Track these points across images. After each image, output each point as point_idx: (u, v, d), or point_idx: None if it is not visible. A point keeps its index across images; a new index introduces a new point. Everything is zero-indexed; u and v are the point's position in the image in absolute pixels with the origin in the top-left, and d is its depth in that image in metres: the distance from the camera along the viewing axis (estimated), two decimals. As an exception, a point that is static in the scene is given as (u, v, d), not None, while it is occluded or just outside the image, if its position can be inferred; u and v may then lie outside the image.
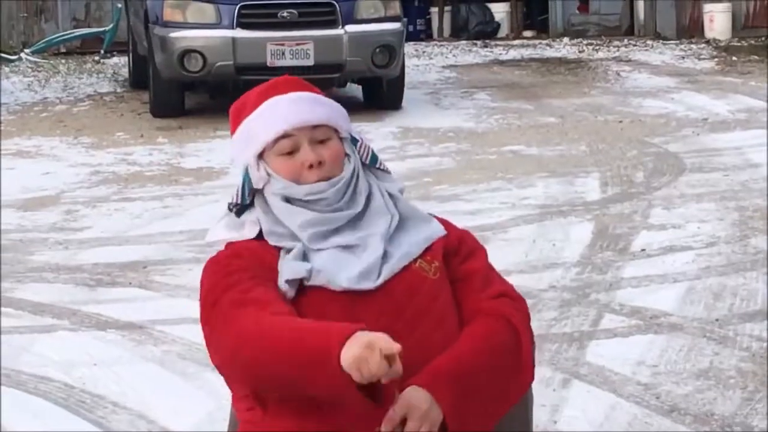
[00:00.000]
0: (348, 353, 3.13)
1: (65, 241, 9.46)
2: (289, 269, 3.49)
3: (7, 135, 14.28)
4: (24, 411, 6.04)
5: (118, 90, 17.57)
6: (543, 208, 9.94)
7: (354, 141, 3.63)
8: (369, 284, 3.48)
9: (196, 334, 5.70)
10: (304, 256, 3.52)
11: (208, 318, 3.48)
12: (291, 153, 3.53)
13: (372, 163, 3.65)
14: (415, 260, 3.53)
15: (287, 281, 3.46)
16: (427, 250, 3.57)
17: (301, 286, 3.47)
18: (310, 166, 3.50)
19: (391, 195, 3.64)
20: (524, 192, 10.48)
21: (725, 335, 6.85)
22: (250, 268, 3.52)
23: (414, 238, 3.58)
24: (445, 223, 3.67)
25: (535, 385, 4.24)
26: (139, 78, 16.70)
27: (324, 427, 3.37)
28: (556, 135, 13.18)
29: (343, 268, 3.49)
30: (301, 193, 3.51)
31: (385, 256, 3.51)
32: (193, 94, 15.52)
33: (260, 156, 3.55)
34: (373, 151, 3.66)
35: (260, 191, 3.57)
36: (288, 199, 3.55)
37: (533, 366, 3.57)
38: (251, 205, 3.60)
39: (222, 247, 3.62)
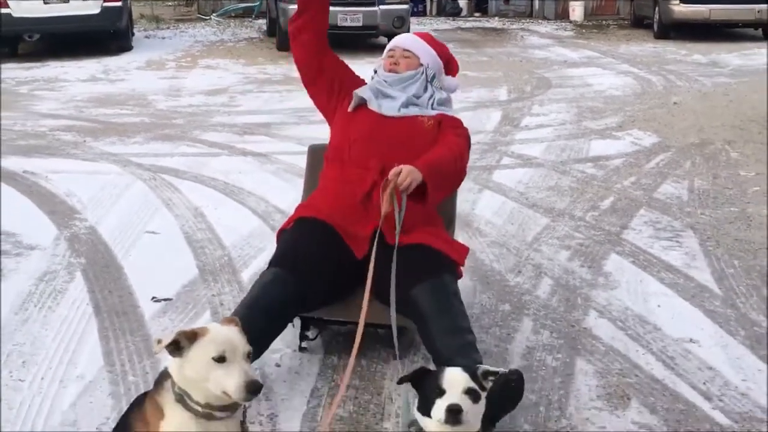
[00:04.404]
0: None
1: (228, 111, 9.44)
2: (360, 90, 3.62)
3: (201, 57, 14.19)
4: (203, 196, 6.07)
5: (261, 36, 17.29)
6: (476, 103, 9.85)
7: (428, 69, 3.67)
8: (392, 113, 3.52)
9: (295, 159, 5.77)
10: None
11: None
12: (392, 57, 3.68)
13: (431, 81, 3.68)
14: (423, 117, 3.58)
15: (357, 95, 3.61)
16: (433, 116, 3.60)
17: (360, 107, 3.61)
18: (392, 65, 3.66)
19: (433, 96, 3.66)
20: (467, 95, 10.32)
21: (564, 169, 6.84)
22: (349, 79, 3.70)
23: (429, 109, 3.62)
24: (453, 118, 3.67)
25: (461, 191, 4.28)
26: (271, 30, 16.35)
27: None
28: (487, 66, 12.97)
29: (383, 103, 3.55)
30: (383, 74, 3.68)
31: (407, 106, 3.56)
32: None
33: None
34: (433, 76, 3.68)
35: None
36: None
37: (465, 168, 3.59)
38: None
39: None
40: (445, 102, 3.68)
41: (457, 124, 3.63)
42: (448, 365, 2.62)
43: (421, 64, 3.65)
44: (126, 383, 3.40)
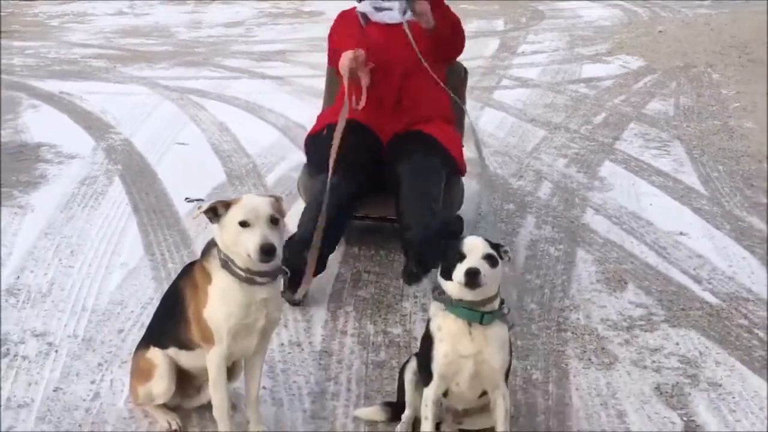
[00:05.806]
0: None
1: (246, 41, 9.25)
2: (361, 6, 3.53)
3: (218, -6, 13.93)
4: (227, 113, 5.98)
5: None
6: (476, 32, 9.57)
7: None
8: (395, 20, 3.51)
9: (310, 81, 5.66)
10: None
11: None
12: None
13: None
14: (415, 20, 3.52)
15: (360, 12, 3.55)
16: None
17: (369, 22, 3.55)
18: None
19: None
20: (467, 26, 10.15)
21: (559, 89, 6.74)
22: (343, 27, 3.56)
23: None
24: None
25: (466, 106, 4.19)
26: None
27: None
28: (487, 5, 12.71)
29: (384, 15, 3.53)
30: None
31: (405, 12, 3.51)
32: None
33: None
34: None
35: None
36: None
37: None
38: None
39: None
40: None
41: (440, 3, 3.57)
42: (406, 235, 2.86)
43: None
44: (166, 269, 3.40)
